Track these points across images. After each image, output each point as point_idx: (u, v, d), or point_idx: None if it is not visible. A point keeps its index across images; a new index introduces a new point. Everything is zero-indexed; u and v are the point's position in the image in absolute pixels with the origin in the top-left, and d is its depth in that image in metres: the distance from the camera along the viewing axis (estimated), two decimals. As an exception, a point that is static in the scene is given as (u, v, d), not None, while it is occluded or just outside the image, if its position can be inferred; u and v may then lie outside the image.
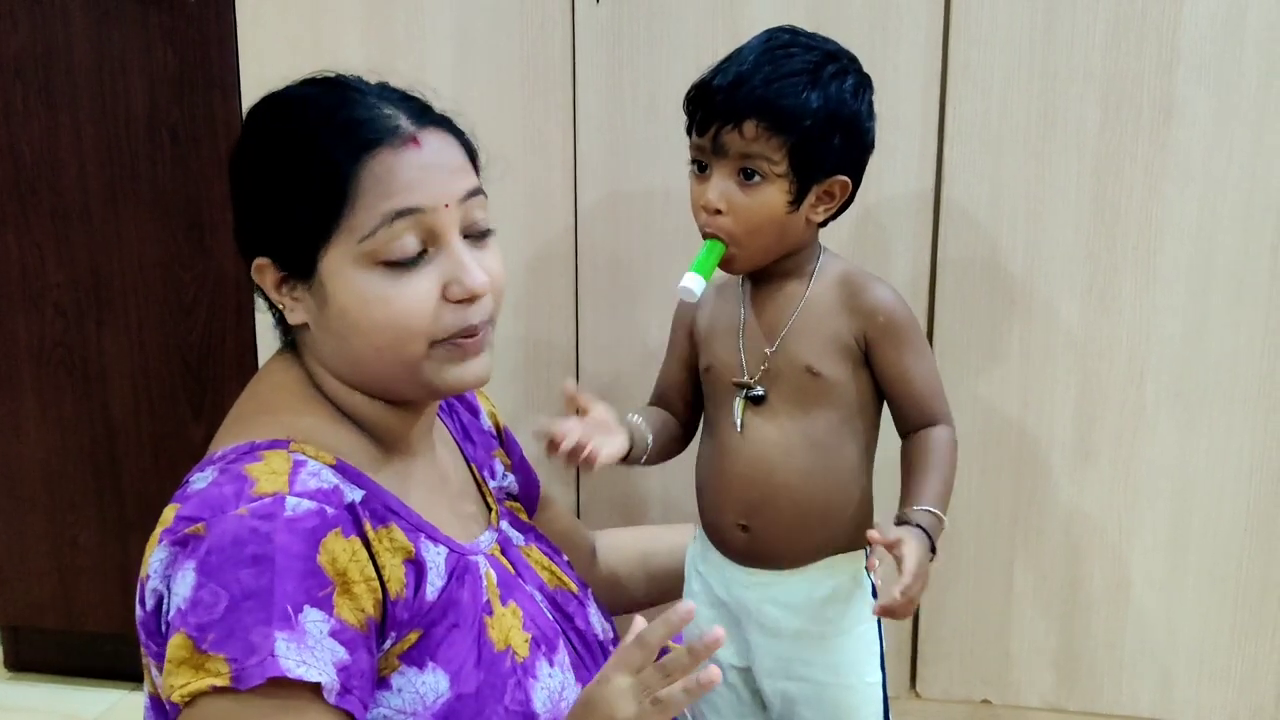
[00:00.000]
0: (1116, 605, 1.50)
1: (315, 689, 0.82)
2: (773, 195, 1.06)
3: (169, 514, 0.88)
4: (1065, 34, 1.38)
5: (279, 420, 0.96)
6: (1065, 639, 1.52)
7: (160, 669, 0.86)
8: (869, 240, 1.45)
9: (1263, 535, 1.44)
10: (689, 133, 1.11)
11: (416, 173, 0.92)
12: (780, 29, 1.10)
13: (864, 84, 1.09)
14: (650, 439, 1.15)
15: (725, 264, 1.09)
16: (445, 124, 0.98)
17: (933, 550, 1.03)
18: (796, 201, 1.06)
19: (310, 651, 0.82)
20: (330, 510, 0.87)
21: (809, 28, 1.13)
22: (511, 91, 1.53)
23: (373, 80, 0.99)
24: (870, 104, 1.10)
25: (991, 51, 1.40)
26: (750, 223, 1.06)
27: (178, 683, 0.82)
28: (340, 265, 0.92)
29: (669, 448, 1.20)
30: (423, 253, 0.93)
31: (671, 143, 1.46)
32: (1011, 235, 1.43)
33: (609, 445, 1.05)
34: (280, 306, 0.98)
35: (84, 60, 1.69)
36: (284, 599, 0.82)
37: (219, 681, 0.80)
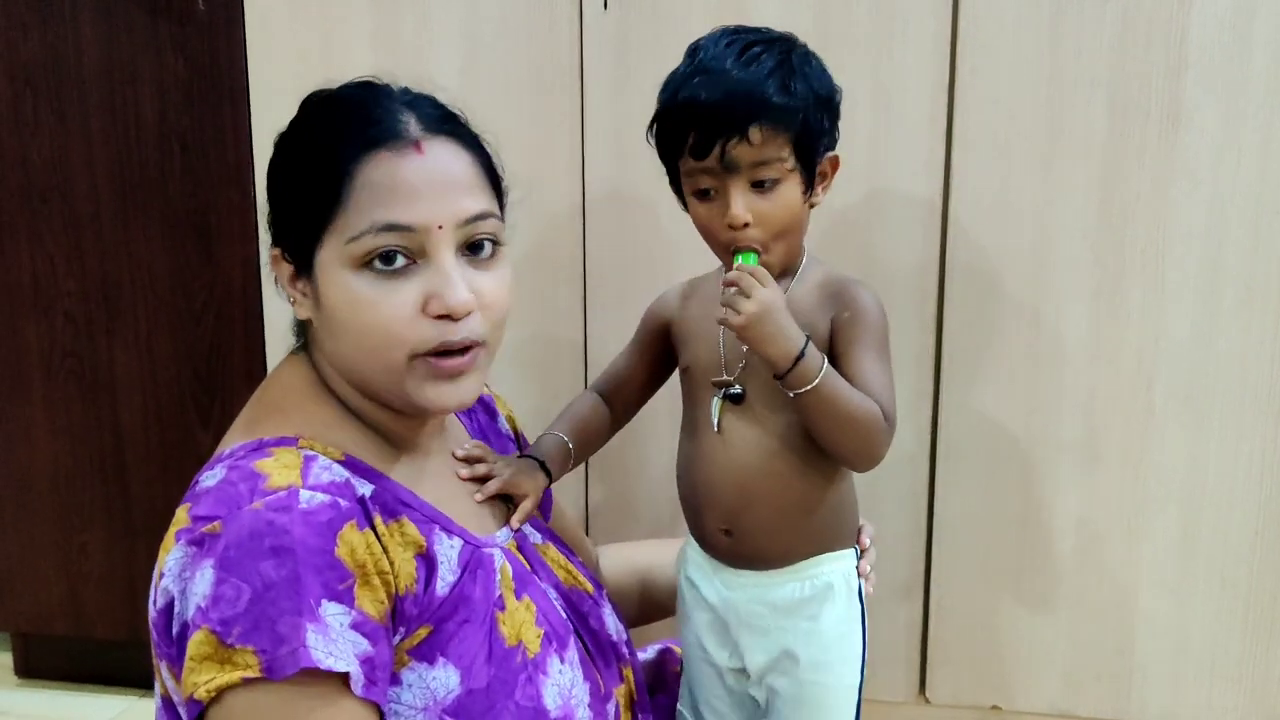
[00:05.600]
0: (1126, 610, 1.49)
1: (343, 680, 0.83)
2: (790, 192, 1.06)
3: (182, 514, 0.89)
4: (1072, 40, 1.38)
5: (287, 419, 0.96)
6: (1074, 644, 1.52)
7: (173, 669, 0.86)
8: (876, 245, 1.46)
9: (1273, 538, 1.44)
10: (671, 159, 1.09)
11: (415, 183, 0.91)
12: (724, 30, 1.09)
13: (818, 58, 1.09)
14: (571, 449, 1.17)
15: None
16: (464, 137, 0.97)
17: (798, 361, 1.01)
18: (808, 190, 1.08)
19: (334, 643, 0.82)
20: (344, 503, 0.88)
21: (816, 34, 1.14)
22: (519, 97, 1.53)
23: (417, 89, 0.98)
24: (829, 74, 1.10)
25: (999, 57, 1.40)
26: (778, 225, 1.06)
27: (202, 679, 0.81)
28: (331, 263, 0.93)
29: (594, 445, 1.22)
30: (411, 262, 0.92)
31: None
32: (1019, 240, 1.43)
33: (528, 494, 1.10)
34: (291, 300, 0.99)
35: (94, 69, 1.70)
36: (307, 591, 0.82)
37: (250, 673, 0.80)
